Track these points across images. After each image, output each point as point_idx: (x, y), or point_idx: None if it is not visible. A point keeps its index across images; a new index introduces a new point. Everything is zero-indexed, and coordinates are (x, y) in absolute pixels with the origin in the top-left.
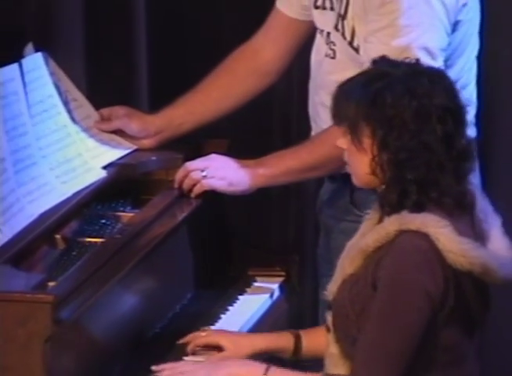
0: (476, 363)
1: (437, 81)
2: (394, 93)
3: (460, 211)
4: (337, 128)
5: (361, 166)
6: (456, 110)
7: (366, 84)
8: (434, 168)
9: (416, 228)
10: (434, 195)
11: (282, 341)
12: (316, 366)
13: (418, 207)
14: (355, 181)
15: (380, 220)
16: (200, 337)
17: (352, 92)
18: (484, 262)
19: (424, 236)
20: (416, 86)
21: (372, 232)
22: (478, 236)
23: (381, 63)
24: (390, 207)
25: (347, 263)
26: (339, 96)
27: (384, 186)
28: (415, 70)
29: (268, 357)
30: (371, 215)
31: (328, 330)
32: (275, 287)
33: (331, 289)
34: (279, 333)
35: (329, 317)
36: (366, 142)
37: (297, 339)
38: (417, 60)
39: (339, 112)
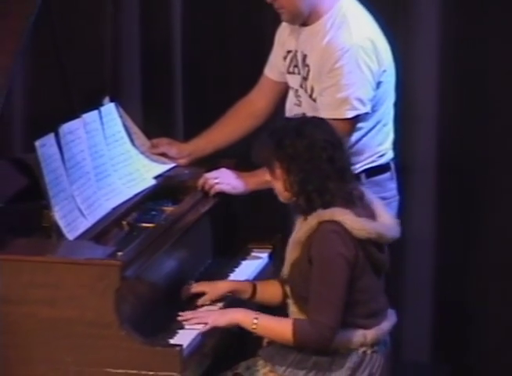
0: (384, 297)
1: (318, 125)
2: (289, 137)
3: (353, 202)
4: None
5: (279, 188)
6: (334, 141)
7: (271, 136)
8: (324, 179)
9: (329, 218)
10: (328, 196)
11: (244, 286)
12: None
13: (324, 206)
14: (280, 198)
15: (305, 219)
16: (189, 289)
17: (264, 143)
18: (377, 230)
19: (336, 223)
20: (304, 130)
21: (301, 228)
22: (370, 214)
23: (280, 121)
24: (304, 211)
25: (292, 251)
26: (256, 149)
27: (294, 198)
28: (302, 121)
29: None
30: (299, 217)
31: (287, 296)
32: (265, 256)
33: (285, 271)
34: (242, 281)
35: (287, 288)
36: (278, 172)
37: (254, 287)
38: (304, 114)
39: (258, 158)
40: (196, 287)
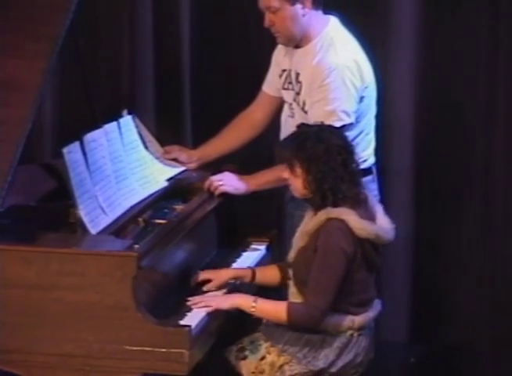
0: (374, 289)
1: (334, 132)
2: (310, 141)
3: (359, 204)
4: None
5: (298, 185)
6: (347, 147)
7: (294, 139)
8: (338, 181)
9: (336, 216)
10: (340, 196)
11: (245, 272)
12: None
13: (334, 205)
14: (296, 194)
15: (315, 214)
16: (197, 277)
17: (287, 144)
18: (375, 232)
19: (341, 221)
20: (323, 136)
21: (311, 221)
22: (371, 217)
23: (302, 126)
24: (317, 206)
25: (299, 240)
26: (280, 148)
27: (311, 195)
28: (321, 128)
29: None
30: (309, 211)
31: (289, 278)
32: (263, 248)
33: (291, 255)
34: (243, 268)
35: (290, 271)
36: (298, 171)
37: (253, 273)
38: (322, 122)
39: (280, 157)
40: (202, 275)
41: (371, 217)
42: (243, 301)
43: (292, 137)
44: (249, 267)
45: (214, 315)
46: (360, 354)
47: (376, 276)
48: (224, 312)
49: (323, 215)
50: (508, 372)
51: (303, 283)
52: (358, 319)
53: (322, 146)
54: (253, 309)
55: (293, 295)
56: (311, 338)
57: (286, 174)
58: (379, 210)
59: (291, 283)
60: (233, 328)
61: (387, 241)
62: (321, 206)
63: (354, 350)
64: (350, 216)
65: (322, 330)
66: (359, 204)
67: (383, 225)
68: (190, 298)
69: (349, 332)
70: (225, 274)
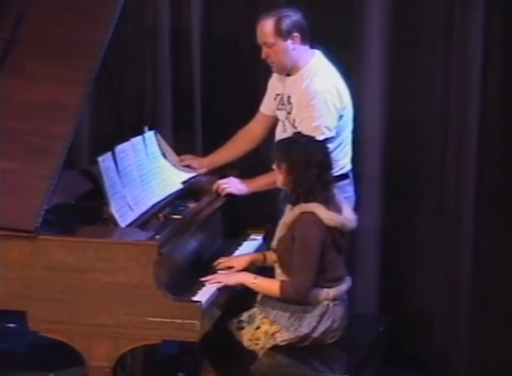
0: (344, 268)
1: (319, 147)
2: (296, 150)
3: (327, 201)
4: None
5: (280, 179)
6: (325, 163)
7: (286, 144)
8: (311, 187)
9: (308, 210)
10: (311, 198)
11: (258, 257)
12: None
13: (307, 201)
14: (279, 185)
15: (292, 208)
16: (221, 262)
17: (281, 146)
18: (341, 221)
19: (313, 213)
20: (308, 148)
21: (288, 215)
22: (337, 209)
23: (297, 134)
24: (293, 202)
25: (280, 230)
26: (276, 146)
27: (289, 191)
28: (310, 141)
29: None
30: (288, 207)
31: (275, 262)
32: (260, 238)
33: (274, 243)
34: (257, 253)
35: (274, 256)
36: (283, 169)
37: (264, 256)
38: (303, 134)
39: (274, 153)
40: (226, 262)
41: (337, 210)
42: (246, 278)
43: (286, 141)
44: (261, 252)
45: (223, 289)
46: (336, 321)
47: (351, 260)
48: (230, 287)
49: (298, 209)
50: (455, 336)
51: (285, 266)
52: (333, 292)
53: (305, 158)
54: (253, 285)
55: (279, 276)
56: (296, 308)
57: (274, 166)
58: (344, 205)
59: (276, 265)
60: (235, 305)
61: (351, 229)
62: (295, 202)
63: (331, 318)
64: (319, 209)
65: (305, 303)
66: (327, 200)
67: (347, 216)
68: (203, 279)
69: (326, 302)
70: (245, 260)
